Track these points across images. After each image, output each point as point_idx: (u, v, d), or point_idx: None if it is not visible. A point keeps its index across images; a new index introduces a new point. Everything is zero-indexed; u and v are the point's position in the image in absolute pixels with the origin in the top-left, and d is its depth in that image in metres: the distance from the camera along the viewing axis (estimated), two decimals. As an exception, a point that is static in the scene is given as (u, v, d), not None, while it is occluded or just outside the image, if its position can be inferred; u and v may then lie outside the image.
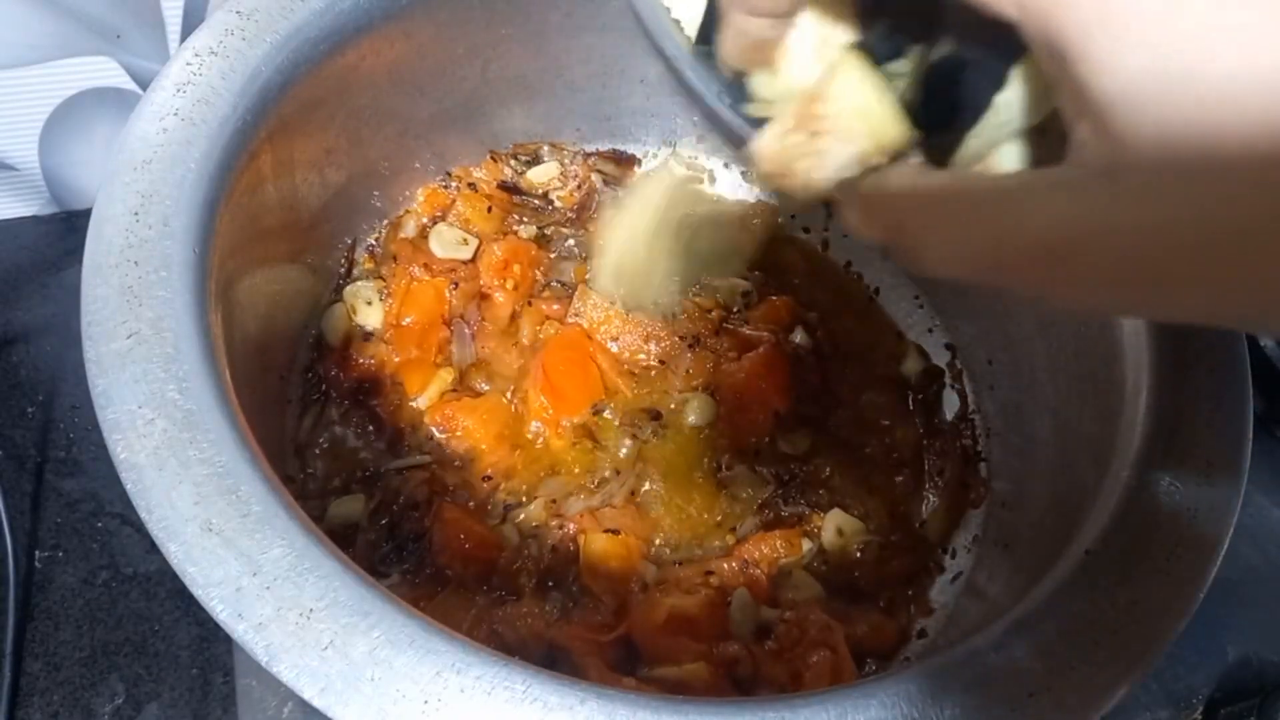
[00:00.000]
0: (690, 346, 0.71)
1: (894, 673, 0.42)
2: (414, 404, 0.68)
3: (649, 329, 0.71)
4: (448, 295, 0.72)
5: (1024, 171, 0.29)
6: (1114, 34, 0.23)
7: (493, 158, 0.80)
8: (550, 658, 0.57)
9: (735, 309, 0.74)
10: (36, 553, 0.68)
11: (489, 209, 0.77)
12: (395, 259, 0.73)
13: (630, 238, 0.51)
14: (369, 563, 0.61)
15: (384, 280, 0.73)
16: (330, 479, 0.65)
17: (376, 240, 0.76)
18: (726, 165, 0.82)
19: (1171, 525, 0.46)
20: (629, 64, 0.76)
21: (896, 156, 0.34)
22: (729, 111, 0.38)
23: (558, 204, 0.79)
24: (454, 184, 0.78)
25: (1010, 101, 0.33)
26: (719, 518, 0.66)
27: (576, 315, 0.71)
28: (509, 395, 0.69)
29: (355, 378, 0.68)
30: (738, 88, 0.38)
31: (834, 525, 0.65)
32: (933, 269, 0.30)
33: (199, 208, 0.49)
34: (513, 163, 0.80)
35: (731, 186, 0.82)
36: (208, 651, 0.64)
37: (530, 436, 0.68)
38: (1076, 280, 0.26)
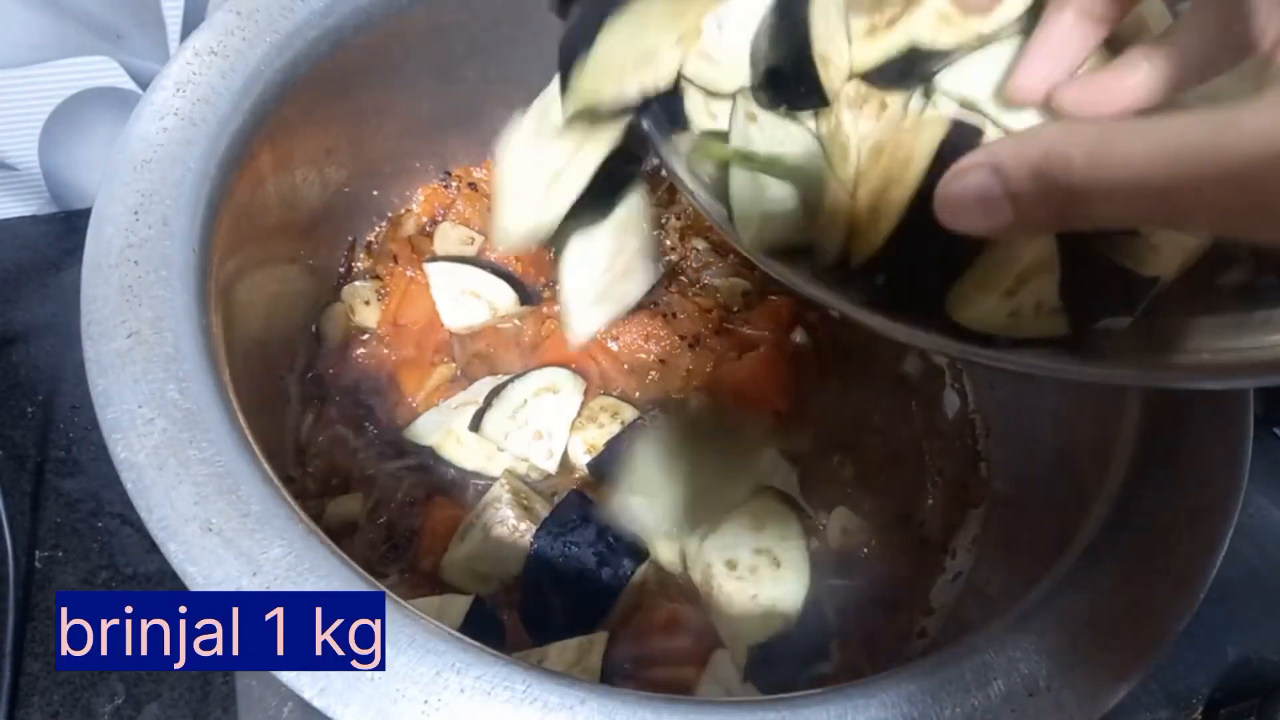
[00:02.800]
0: (690, 346, 0.71)
1: (894, 673, 0.42)
2: (411, 402, 0.68)
3: (649, 328, 0.71)
4: (447, 295, 0.72)
5: (1203, 112, 0.25)
6: None
7: (493, 158, 0.80)
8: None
9: (735, 309, 0.74)
10: (36, 553, 0.68)
11: (489, 209, 0.76)
12: (394, 259, 0.73)
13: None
14: (368, 562, 0.61)
15: (381, 280, 0.73)
16: (329, 478, 0.65)
17: (376, 240, 0.76)
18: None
19: (1171, 525, 0.46)
20: (629, 64, 0.76)
21: None
22: None
23: (558, 204, 0.79)
24: (454, 184, 0.78)
25: None
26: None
27: (577, 315, 0.71)
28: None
29: (354, 377, 0.68)
30: None
31: (839, 524, 0.65)
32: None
33: (199, 207, 0.49)
34: (513, 163, 0.80)
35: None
36: (208, 651, 0.64)
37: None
38: (1264, 214, 0.24)
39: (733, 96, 0.40)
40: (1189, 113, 0.24)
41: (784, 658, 0.57)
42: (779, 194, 0.38)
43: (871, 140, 0.38)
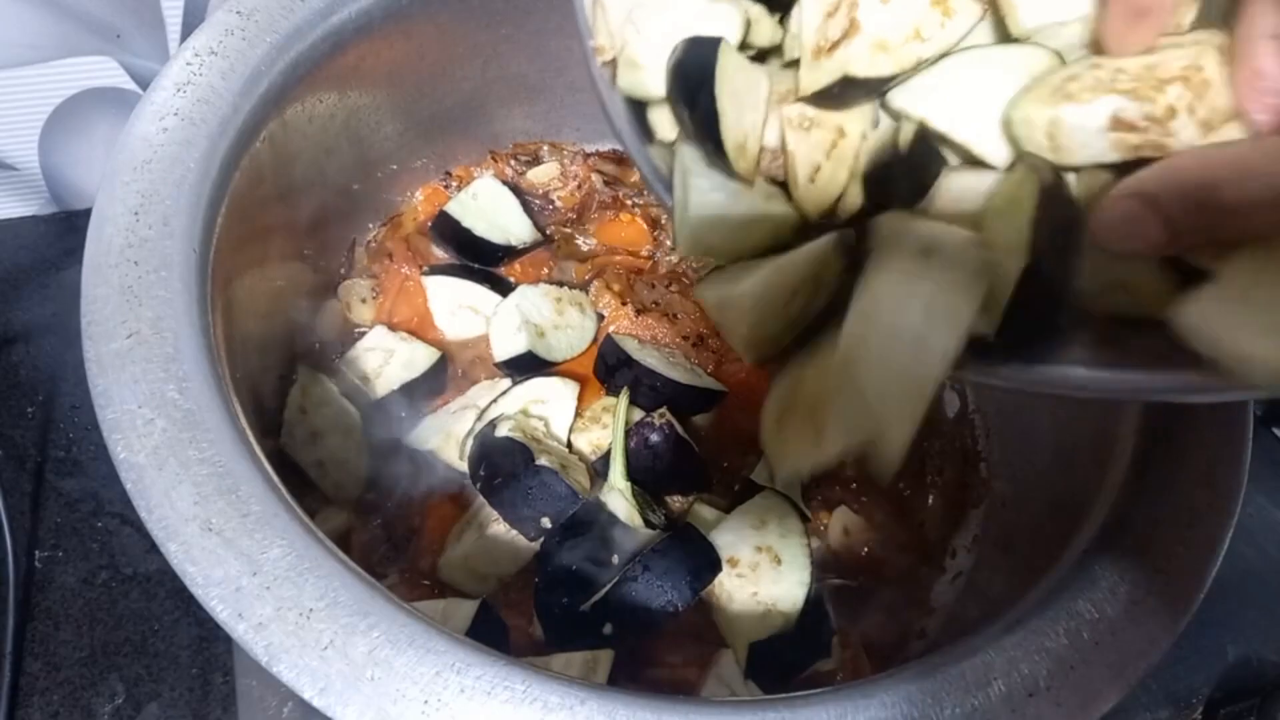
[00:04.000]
0: (693, 345, 0.71)
1: (894, 673, 0.42)
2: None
3: (653, 329, 0.71)
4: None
5: None
6: None
7: (493, 157, 0.80)
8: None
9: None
10: (36, 553, 0.68)
11: (489, 209, 0.76)
12: (390, 257, 0.73)
13: None
14: (367, 562, 0.61)
15: (377, 278, 0.73)
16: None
17: (376, 239, 0.76)
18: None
19: (1171, 525, 0.46)
20: (629, 64, 0.76)
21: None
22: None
23: (558, 204, 0.79)
24: (454, 184, 0.78)
25: None
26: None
27: (577, 315, 0.71)
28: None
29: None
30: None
31: (840, 524, 0.65)
32: None
33: (199, 207, 0.49)
34: (513, 163, 0.80)
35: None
36: (208, 651, 0.64)
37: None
38: None
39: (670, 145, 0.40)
40: None
41: (785, 655, 0.57)
42: (713, 200, 0.38)
43: (827, 158, 0.38)
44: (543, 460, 0.59)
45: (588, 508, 0.59)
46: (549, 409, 0.66)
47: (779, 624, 0.57)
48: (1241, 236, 0.30)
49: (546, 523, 0.59)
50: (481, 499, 0.62)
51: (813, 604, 0.58)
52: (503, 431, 0.61)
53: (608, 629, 0.56)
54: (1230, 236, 0.31)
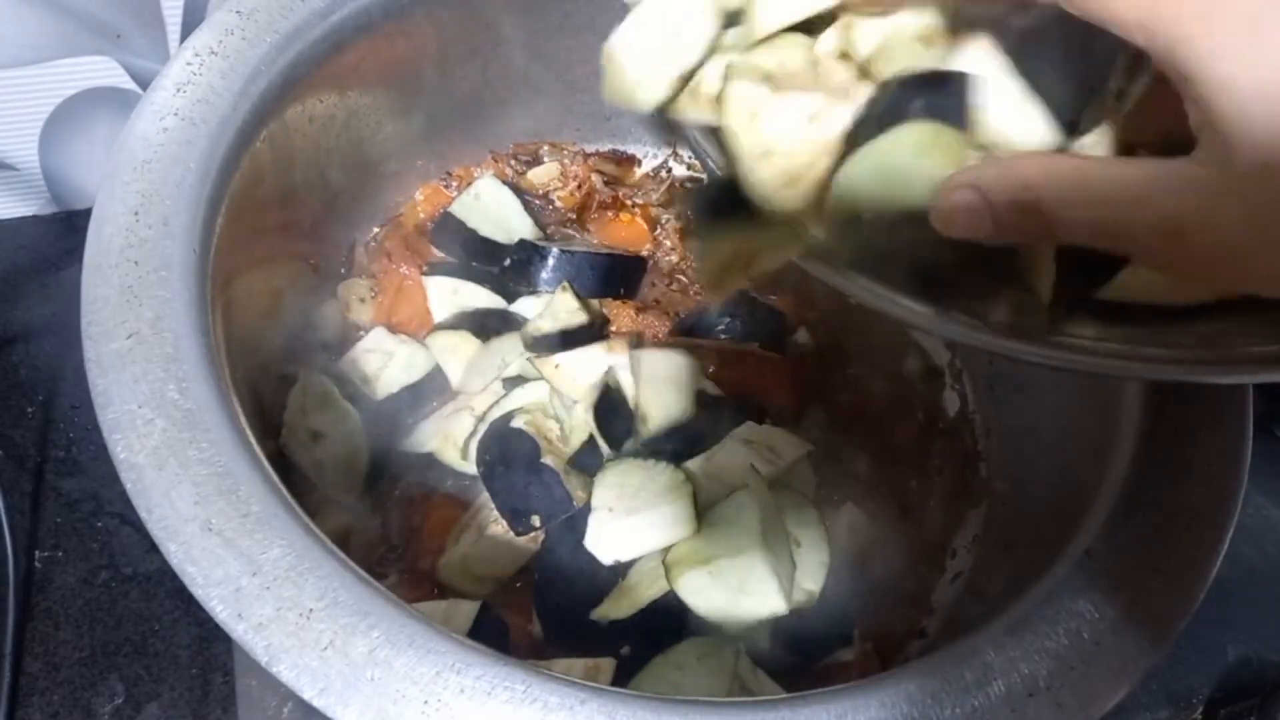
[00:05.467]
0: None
1: (894, 673, 0.42)
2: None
3: (654, 326, 0.71)
4: (445, 294, 0.72)
5: (1150, 161, 0.31)
6: (1228, 62, 0.26)
7: (493, 158, 0.80)
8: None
9: (736, 308, 0.74)
10: (36, 553, 0.68)
11: (489, 209, 0.76)
12: (390, 257, 0.73)
13: None
14: (366, 562, 0.61)
15: (377, 278, 0.73)
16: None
17: (376, 239, 0.76)
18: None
19: (1171, 525, 0.46)
20: (629, 64, 0.76)
21: None
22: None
23: (558, 204, 0.79)
24: (454, 184, 0.78)
25: None
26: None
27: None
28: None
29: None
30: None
31: (845, 521, 0.65)
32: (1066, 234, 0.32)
33: (199, 207, 0.49)
34: (513, 163, 0.80)
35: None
36: (208, 651, 0.64)
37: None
38: (1185, 256, 0.30)
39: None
40: (1139, 160, 0.31)
41: (808, 634, 0.58)
42: None
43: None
44: (548, 460, 0.59)
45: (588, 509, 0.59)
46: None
47: (802, 599, 0.58)
48: (1060, 243, 0.33)
49: (536, 520, 0.59)
50: (481, 501, 0.62)
51: (834, 591, 0.59)
52: (517, 423, 0.61)
53: (625, 650, 0.56)
54: (1050, 243, 0.34)
